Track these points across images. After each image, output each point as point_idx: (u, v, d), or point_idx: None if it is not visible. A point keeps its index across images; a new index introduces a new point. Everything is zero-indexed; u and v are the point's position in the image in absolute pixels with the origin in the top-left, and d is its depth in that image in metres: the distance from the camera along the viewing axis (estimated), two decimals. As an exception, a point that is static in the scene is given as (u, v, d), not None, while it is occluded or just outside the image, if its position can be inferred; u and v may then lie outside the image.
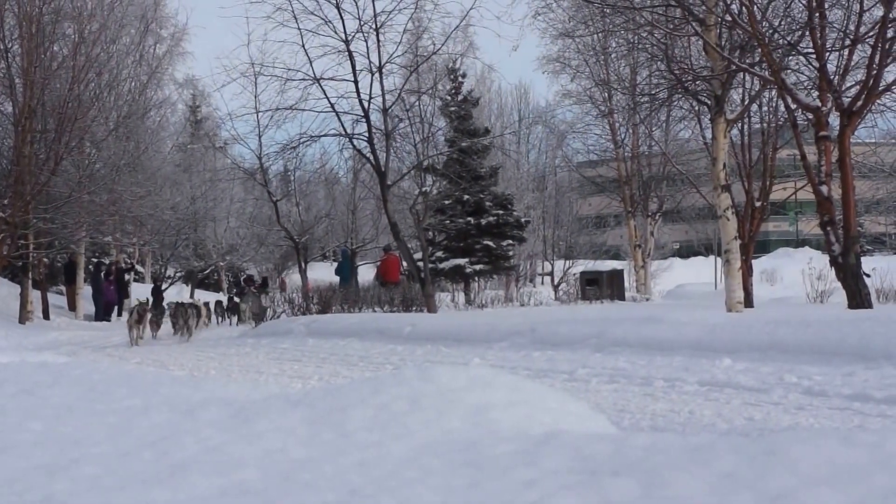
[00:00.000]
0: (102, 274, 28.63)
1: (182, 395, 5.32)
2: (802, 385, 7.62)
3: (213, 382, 6.65)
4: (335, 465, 3.62)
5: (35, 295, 24.97)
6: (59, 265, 31.06)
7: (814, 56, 15.26)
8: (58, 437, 4.53)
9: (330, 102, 21.81)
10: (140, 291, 30.27)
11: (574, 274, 32.03)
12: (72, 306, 28.66)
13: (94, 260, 31.12)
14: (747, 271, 20.12)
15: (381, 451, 3.73)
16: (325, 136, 22.81)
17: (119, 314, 28.93)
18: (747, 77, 19.49)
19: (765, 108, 22.75)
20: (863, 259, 15.41)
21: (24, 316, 23.49)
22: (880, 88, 14.90)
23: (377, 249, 35.43)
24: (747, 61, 16.53)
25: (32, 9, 22.18)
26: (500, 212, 30.23)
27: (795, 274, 24.32)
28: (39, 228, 23.67)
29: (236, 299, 26.18)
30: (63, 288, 30.47)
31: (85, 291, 28.93)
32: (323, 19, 21.34)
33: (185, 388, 5.72)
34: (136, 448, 4.14)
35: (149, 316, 17.89)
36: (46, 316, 25.40)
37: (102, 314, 27.97)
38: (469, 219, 29.95)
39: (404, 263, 25.57)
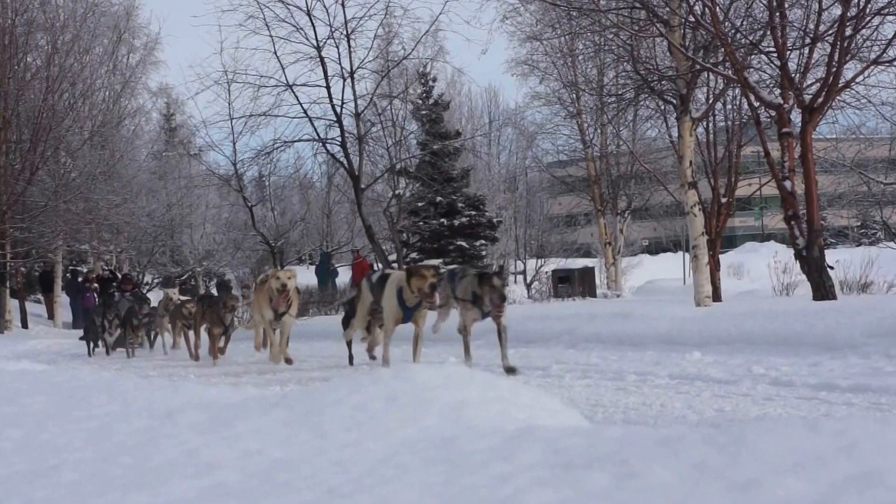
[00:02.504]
0: (80, 280, 28.50)
1: (161, 399, 5.35)
2: (770, 376, 7.76)
3: (192, 387, 6.67)
4: (313, 465, 3.67)
5: (13, 304, 24.81)
6: (37, 274, 30.91)
7: (775, 55, 15.47)
8: (38, 443, 4.55)
9: (303, 108, 21.89)
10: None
11: (546, 272, 32.20)
12: (50, 315, 28.52)
13: (71, 268, 30.97)
14: (715, 266, 20.32)
15: (359, 449, 3.78)
16: (298, 141, 22.89)
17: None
18: (711, 76, 19.69)
19: (729, 107, 23.01)
20: (826, 252, 15.63)
21: (1, 325, 23.36)
22: (840, 85, 15.15)
23: (350, 253, 35.50)
24: (711, 61, 16.72)
25: (5, 20, 22.09)
26: (473, 212, 30.34)
27: (761, 268, 24.60)
28: (16, 238, 23.53)
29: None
30: (41, 297, 30.33)
31: (63, 300, 28.78)
32: (294, 26, 21.43)
33: (164, 393, 5.75)
34: (115, 453, 4.17)
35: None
36: (25, 325, 25.23)
37: (81, 321, 27.83)
38: (442, 220, 30.04)
39: (378, 265, 25.61)
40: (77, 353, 16.87)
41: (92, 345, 16.51)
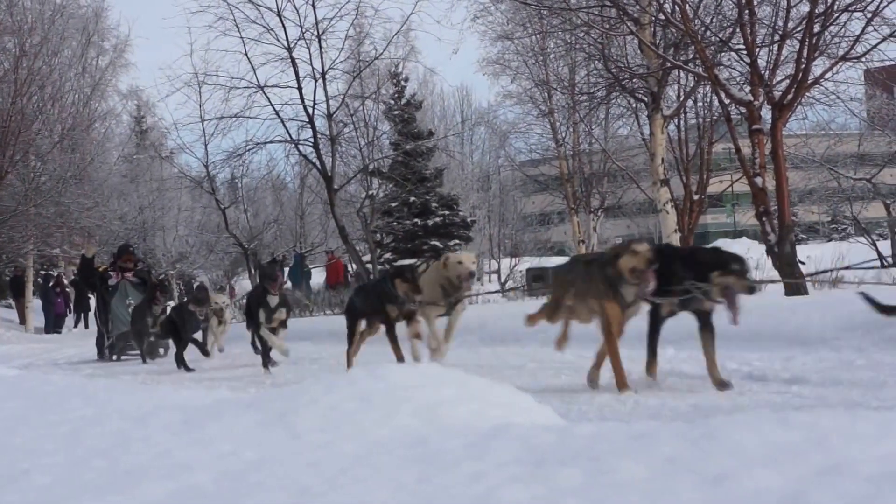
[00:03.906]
0: (51, 285, 28.41)
1: (134, 402, 5.33)
2: (742, 371, 7.82)
3: (165, 389, 6.65)
4: (287, 466, 3.66)
5: (-16, 309, 24.70)
6: (8, 279, 30.78)
7: (745, 52, 15.61)
8: (8, 448, 4.52)
9: (274, 109, 21.91)
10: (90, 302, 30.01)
11: (520, 271, 32.31)
12: (22, 320, 28.38)
13: (43, 272, 30.87)
14: (689, 263, 20.42)
15: (333, 450, 3.78)
16: (270, 142, 22.91)
17: (84, 325, 28.77)
18: (682, 74, 19.84)
19: (700, 104, 23.23)
20: (798, 247, 15.77)
21: (-28, 331, 23.20)
22: (809, 81, 15.31)
23: (325, 254, 35.57)
24: (681, 58, 16.85)
25: (-30, 24, 21.96)
26: (446, 212, 30.41)
27: (735, 264, 24.68)
28: (-14, 243, 23.43)
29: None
30: (12, 302, 30.17)
31: (35, 304, 28.65)
32: (265, 27, 21.45)
33: (137, 396, 5.73)
34: (88, 456, 4.15)
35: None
36: (-5, 330, 25.06)
37: (52, 326, 27.69)
38: (416, 220, 30.09)
39: (353, 265, 25.67)
40: (50, 359, 16.75)
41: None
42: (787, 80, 15.46)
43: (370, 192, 27.02)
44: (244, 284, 40.60)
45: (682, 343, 9.48)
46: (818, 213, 48.18)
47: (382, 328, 10.04)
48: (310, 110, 21.73)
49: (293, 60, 21.52)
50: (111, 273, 16.17)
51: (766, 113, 15.89)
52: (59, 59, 30.29)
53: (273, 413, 4.34)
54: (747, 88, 16.10)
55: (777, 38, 15.87)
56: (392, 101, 30.62)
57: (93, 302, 29.32)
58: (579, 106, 25.66)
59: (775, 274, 15.45)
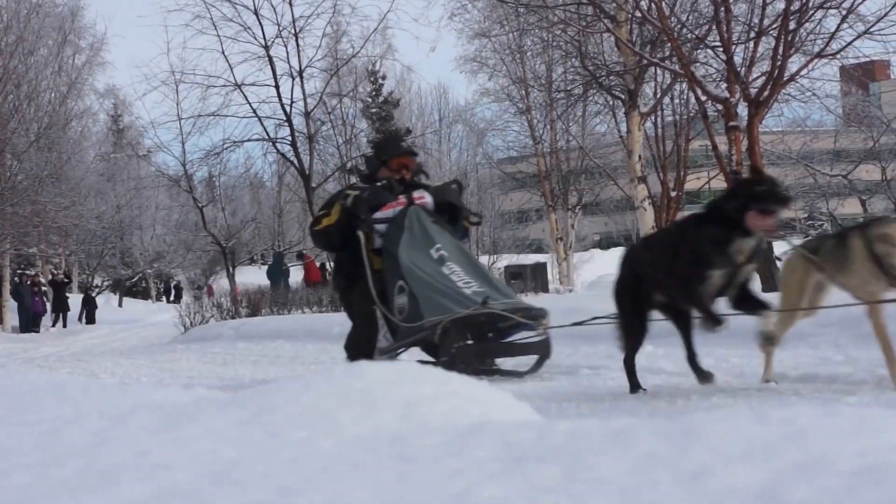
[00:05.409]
0: (29, 284, 28.32)
1: (113, 402, 5.27)
2: (721, 367, 7.83)
3: (144, 388, 6.59)
4: (266, 465, 3.65)
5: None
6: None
7: (721, 49, 15.72)
8: (-15, 449, 4.47)
9: (252, 108, 21.93)
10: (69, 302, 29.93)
11: (499, 268, 32.39)
12: (-1, 319, 28.32)
13: (19, 272, 30.77)
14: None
15: (311, 448, 3.76)
16: (248, 141, 22.91)
17: (62, 325, 28.67)
18: (659, 71, 19.94)
19: (676, 101, 23.35)
20: (774, 244, 15.87)
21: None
22: (785, 78, 15.43)
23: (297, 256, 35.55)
24: (658, 56, 16.95)
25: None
26: (424, 210, 30.47)
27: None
28: (-38, 242, 23.28)
29: None
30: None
31: (11, 304, 28.54)
32: (242, 26, 21.50)
33: (116, 395, 5.67)
34: (65, 456, 4.11)
35: None
36: (-28, 329, 24.96)
37: (29, 326, 27.57)
38: (394, 218, 30.14)
39: (330, 264, 25.68)
40: (27, 357, 16.64)
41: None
42: (763, 77, 15.58)
43: (348, 191, 27.01)
44: (222, 283, 40.51)
45: (659, 340, 9.52)
46: (794, 209, 48.58)
47: None
48: (287, 108, 21.82)
49: (270, 59, 21.58)
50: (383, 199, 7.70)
51: (743, 110, 16.00)
52: (35, 57, 30.25)
53: (252, 411, 4.32)
54: (723, 85, 16.21)
55: (753, 35, 15.98)
56: (369, 99, 30.70)
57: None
58: (556, 103, 25.78)
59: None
